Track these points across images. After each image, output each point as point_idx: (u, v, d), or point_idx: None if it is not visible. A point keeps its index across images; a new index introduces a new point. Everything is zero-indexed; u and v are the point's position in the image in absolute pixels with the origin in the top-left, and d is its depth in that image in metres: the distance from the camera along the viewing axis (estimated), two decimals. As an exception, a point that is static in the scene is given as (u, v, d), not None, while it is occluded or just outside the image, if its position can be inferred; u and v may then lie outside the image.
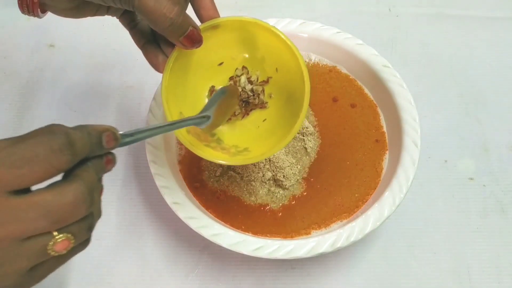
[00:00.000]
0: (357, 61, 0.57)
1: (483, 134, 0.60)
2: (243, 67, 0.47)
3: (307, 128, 0.54)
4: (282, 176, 0.51)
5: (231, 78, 0.47)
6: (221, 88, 0.46)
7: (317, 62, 0.60)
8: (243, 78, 0.46)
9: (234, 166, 0.52)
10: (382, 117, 0.56)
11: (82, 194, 0.28)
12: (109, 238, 0.53)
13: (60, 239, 0.28)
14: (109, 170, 0.32)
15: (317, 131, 0.55)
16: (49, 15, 0.43)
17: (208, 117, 0.41)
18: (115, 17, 0.45)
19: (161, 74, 0.43)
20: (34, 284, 0.30)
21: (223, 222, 0.49)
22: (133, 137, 0.32)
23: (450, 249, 0.53)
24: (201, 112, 0.42)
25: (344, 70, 0.59)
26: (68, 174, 0.29)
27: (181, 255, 0.52)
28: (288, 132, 0.42)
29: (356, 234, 0.45)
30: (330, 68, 0.59)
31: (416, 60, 0.67)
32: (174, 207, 0.47)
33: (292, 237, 0.49)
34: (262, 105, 0.47)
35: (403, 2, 0.73)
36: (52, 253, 0.28)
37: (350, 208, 0.51)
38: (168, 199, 0.47)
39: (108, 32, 0.69)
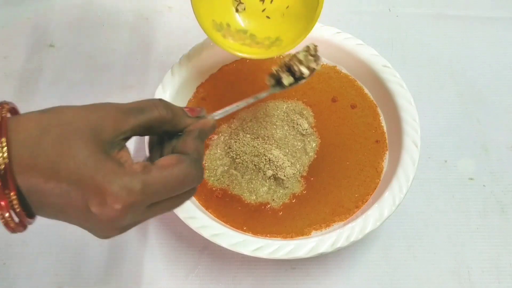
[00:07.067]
0: (357, 61, 0.57)
1: (483, 134, 0.60)
2: None
3: (306, 130, 0.54)
4: (283, 175, 0.51)
5: None
6: None
7: (317, 62, 0.60)
8: None
9: (235, 165, 0.52)
10: (382, 118, 0.56)
11: (199, 178, 0.34)
12: (109, 238, 0.53)
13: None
14: None
15: (315, 131, 0.55)
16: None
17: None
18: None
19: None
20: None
21: (223, 222, 0.49)
22: (222, 115, 0.39)
23: (450, 249, 0.53)
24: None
25: (344, 70, 0.59)
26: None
27: (181, 255, 0.52)
28: (313, 14, 0.44)
29: (356, 234, 0.45)
30: (330, 68, 0.59)
31: (416, 60, 0.67)
32: (174, 207, 0.47)
33: (292, 237, 0.49)
34: None
35: (403, 2, 0.73)
36: None
37: (350, 208, 0.51)
38: (168, 199, 0.47)
39: (108, 32, 0.69)
